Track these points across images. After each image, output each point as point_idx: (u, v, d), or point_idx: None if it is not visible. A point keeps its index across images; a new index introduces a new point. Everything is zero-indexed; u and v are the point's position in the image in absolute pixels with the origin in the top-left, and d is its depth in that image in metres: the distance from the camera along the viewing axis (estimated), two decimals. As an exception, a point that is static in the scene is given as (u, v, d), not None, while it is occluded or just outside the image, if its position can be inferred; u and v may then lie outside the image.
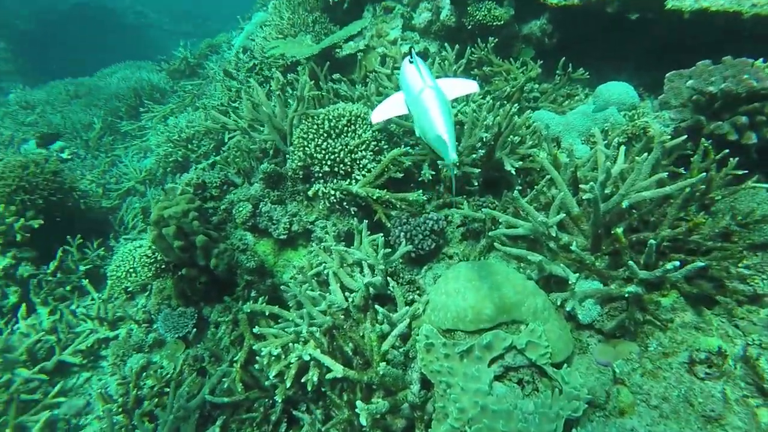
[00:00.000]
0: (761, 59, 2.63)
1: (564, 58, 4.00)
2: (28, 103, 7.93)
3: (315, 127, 3.03)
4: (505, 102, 3.66)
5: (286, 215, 3.17)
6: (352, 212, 2.98)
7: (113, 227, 4.95)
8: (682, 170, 2.61)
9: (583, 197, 2.22)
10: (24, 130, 7.08)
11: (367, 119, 3.08)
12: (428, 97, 1.70)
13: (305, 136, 3.04)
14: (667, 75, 3.00)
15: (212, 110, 4.07)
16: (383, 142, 3.06)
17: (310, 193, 3.05)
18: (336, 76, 3.74)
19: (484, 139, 2.77)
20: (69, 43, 16.56)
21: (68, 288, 4.03)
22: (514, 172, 2.75)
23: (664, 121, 3.16)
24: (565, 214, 2.44)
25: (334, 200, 2.97)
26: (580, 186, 2.31)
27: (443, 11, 4.39)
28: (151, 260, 3.32)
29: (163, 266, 3.32)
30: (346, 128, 3.02)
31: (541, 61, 4.04)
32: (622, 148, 2.54)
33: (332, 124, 3.01)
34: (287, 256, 3.23)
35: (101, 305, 3.73)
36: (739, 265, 2.29)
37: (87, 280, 3.95)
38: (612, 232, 2.26)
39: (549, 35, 4.40)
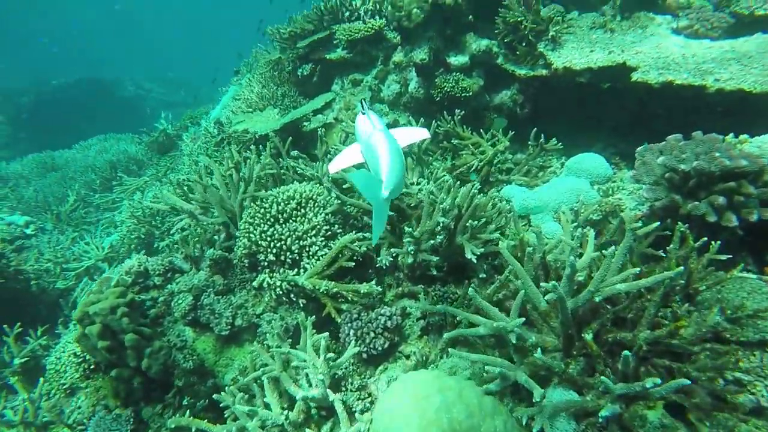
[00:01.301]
0: (731, 134, 2.44)
1: (535, 129, 3.85)
2: (0, 177, 7.79)
3: (262, 211, 2.79)
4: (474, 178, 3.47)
5: (230, 308, 2.85)
6: (300, 305, 2.67)
7: (62, 312, 4.59)
8: (662, 253, 2.36)
9: (546, 297, 1.93)
10: (-6, 205, 6.89)
11: (319, 201, 2.85)
12: (377, 138, 1.69)
13: (251, 221, 2.80)
14: (637, 150, 2.81)
15: (163, 189, 3.87)
16: (336, 226, 2.81)
17: (255, 283, 2.76)
18: (294, 153, 3.55)
19: (443, 224, 2.52)
20: (64, 116, 16.76)
21: (-5, 387, 3.61)
22: (475, 260, 2.47)
23: (640, 198, 2.94)
24: (531, 310, 2.15)
25: (281, 292, 2.67)
26: (541, 284, 2.02)
27: (411, 83, 4.32)
28: (79, 360, 2.96)
29: (93, 366, 2.96)
30: (295, 212, 2.78)
31: (513, 132, 3.90)
32: (591, 233, 2.28)
33: (280, 207, 2.77)
34: (230, 353, 2.87)
35: (29, 407, 3.31)
36: (736, 370, 1.97)
37: (16, 378, 3.54)
38: (582, 335, 1.96)
39: (521, 105, 4.31)
